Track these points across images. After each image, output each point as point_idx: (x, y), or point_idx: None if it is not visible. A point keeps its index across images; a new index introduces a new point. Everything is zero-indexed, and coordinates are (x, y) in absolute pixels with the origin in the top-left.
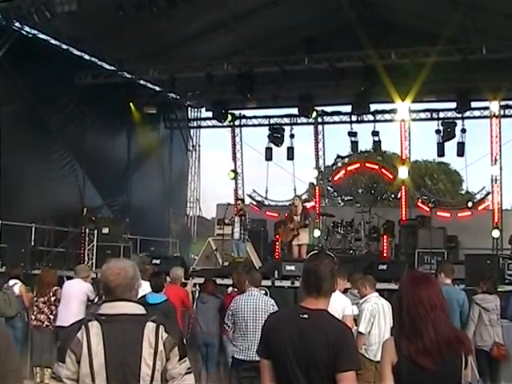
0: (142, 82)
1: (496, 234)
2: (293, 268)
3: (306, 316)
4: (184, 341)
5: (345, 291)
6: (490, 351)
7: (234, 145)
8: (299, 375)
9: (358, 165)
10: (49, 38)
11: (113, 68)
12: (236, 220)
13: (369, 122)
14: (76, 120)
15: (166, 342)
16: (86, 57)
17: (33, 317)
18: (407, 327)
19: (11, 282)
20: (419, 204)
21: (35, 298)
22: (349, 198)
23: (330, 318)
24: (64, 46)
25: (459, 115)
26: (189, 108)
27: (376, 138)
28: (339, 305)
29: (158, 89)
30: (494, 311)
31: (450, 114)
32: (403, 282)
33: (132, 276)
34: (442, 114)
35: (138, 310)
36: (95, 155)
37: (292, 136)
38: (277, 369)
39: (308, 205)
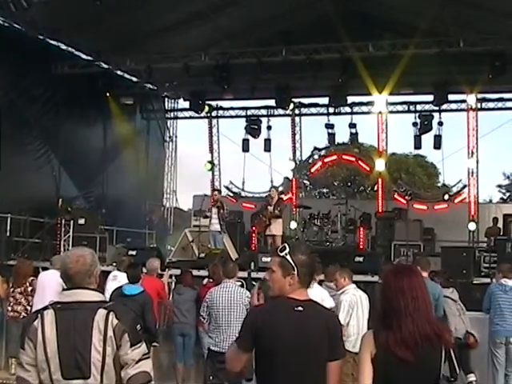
0: (118, 72)
1: (472, 226)
2: (269, 259)
3: (300, 308)
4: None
5: (319, 283)
6: (464, 339)
7: (210, 136)
8: (297, 368)
9: (334, 157)
10: (25, 28)
11: (89, 58)
12: (213, 211)
13: (346, 114)
14: (52, 110)
15: (116, 328)
16: (63, 47)
17: (9, 308)
18: (388, 318)
19: None
20: (396, 196)
21: (11, 289)
22: (326, 190)
23: (321, 308)
24: (40, 36)
25: (436, 108)
26: (166, 99)
27: (353, 130)
28: (318, 297)
29: (134, 79)
30: (456, 302)
31: (427, 107)
32: (386, 273)
33: (91, 263)
34: (419, 107)
35: (96, 297)
36: (71, 146)
37: (269, 128)
38: (269, 363)
39: (284, 197)
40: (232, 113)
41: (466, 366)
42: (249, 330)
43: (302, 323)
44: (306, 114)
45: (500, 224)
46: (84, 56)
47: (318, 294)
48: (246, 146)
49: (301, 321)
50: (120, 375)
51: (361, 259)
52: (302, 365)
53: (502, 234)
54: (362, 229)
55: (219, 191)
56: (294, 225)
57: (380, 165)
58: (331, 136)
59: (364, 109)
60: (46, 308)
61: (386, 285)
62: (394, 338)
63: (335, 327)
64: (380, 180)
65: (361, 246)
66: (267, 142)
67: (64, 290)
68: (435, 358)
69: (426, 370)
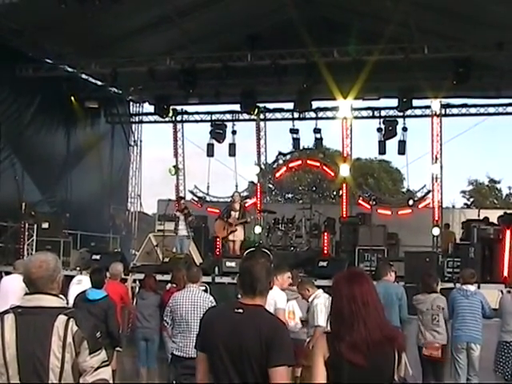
0: (83, 76)
1: (436, 231)
2: (233, 264)
3: (240, 311)
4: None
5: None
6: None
7: (175, 140)
8: (230, 369)
9: (299, 162)
10: None
11: (54, 61)
12: (181, 217)
13: (311, 119)
14: (15, 113)
15: (76, 335)
16: (28, 49)
17: None
18: (339, 323)
19: None
20: (360, 201)
21: None
22: (290, 195)
23: (264, 313)
24: (5, 38)
25: (401, 114)
26: (131, 103)
27: (318, 136)
28: (271, 299)
29: (99, 83)
30: (428, 311)
31: (391, 113)
32: (337, 279)
33: (54, 268)
34: (383, 113)
35: (58, 302)
36: (35, 149)
37: (234, 132)
38: (211, 362)
39: (249, 201)
40: (197, 117)
41: (437, 373)
42: (200, 329)
43: (237, 325)
44: (270, 119)
45: (455, 229)
46: (49, 59)
47: (272, 295)
48: (210, 151)
49: (236, 323)
50: (79, 382)
51: (325, 264)
52: (238, 367)
53: (456, 239)
54: (326, 234)
55: (183, 198)
56: (258, 229)
57: (344, 170)
58: (296, 141)
59: (329, 114)
60: (6, 312)
61: (337, 290)
62: (345, 342)
63: (274, 333)
64: (344, 185)
65: (325, 251)
66: (232, 146)
67: (26, 294)
68: (388, 361)
69: (379, 374)
